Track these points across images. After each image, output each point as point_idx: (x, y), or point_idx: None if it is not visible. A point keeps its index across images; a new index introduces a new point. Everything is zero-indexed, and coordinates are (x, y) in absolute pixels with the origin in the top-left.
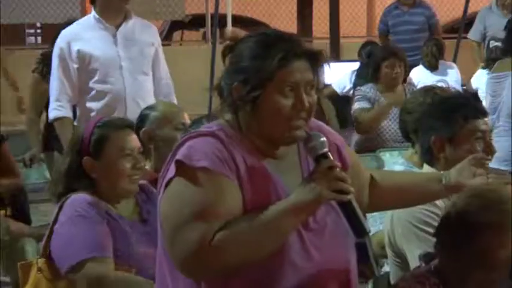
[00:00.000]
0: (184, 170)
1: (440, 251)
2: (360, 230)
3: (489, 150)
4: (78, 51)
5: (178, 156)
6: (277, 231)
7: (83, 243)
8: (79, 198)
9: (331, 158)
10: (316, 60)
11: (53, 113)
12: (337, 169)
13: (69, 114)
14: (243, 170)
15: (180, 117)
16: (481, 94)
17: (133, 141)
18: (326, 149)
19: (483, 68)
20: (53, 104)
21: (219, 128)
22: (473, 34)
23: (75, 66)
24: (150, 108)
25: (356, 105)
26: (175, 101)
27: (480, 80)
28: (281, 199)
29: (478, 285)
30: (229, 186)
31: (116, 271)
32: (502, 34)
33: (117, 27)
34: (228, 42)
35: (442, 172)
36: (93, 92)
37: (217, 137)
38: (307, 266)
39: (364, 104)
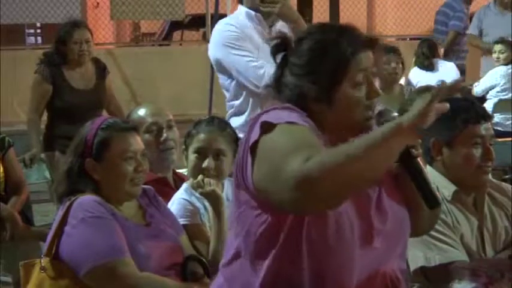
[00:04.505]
0: (270, 127)
1: None
2: (432, 200)
3: (487, 157)
4: None
5: (263, 119)
6: (386, 146)
7: (105, 244)
8: (87, 199)
9: None
10: (375, 47)
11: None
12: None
13: None
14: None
15: (151, 119)
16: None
17: (136, 143)
18: None
19: (505, 64)
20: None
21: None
22: (472, 29)
23: None
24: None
25: None
26: None
27: (498, 75)
28: None
29: None
30: (319, 140)
31: (142, 272)
32: (499, 32)
33: (270, 26)
34: (277, 40)
35: None
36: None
37: (302, 113)
38: (370, 252)
39: None
